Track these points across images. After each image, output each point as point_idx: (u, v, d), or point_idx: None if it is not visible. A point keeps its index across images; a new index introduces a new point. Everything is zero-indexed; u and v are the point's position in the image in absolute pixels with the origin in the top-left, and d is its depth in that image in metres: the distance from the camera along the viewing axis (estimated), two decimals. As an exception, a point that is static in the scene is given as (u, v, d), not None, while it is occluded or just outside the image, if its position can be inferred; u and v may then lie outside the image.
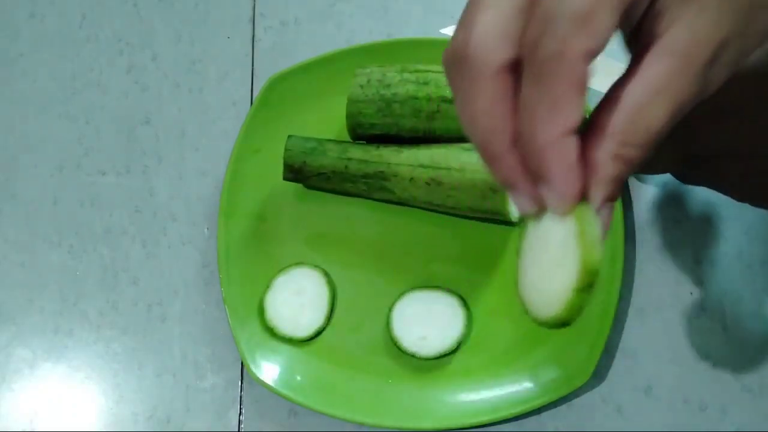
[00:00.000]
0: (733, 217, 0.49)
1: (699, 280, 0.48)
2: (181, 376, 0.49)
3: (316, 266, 0.49)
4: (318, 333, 0.48)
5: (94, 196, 0.53)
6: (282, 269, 0.49)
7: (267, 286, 0.48)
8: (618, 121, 0.23)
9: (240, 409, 0.48)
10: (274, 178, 0.50)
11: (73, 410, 0.49)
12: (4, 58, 0.56)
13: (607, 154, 0.23)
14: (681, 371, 0.47)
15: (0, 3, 0.58)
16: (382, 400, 0.46)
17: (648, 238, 0.49)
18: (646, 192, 0.50)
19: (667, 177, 0.50)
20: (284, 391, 0.46)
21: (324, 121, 0.51)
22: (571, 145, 0.23)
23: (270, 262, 0.49)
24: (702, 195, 0.49)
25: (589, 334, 0.45)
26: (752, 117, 0.37)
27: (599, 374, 0.47)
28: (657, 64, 0.22)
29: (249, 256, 0.49)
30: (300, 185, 0.51)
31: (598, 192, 0.24)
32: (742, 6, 0.22)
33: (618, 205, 0.47)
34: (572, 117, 0.23)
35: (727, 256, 0.48)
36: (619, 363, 0.47)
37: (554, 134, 0.23)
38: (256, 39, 0.56)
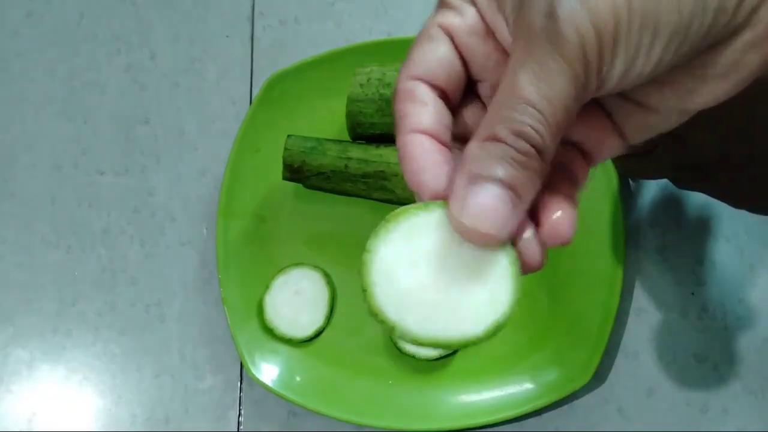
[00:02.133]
0: (734, 217, 0.49)
1: (700, 281, 0.48)
2: (179, 377, 0.49)
3: (315, 267, 0.48)
4: (318, 333, 0.48)
5: (93, 196, 0.52)
6: (281, 269, 0.48)
7: (266, 287, 0.48)
8: (490, 112, 0.22)
9: (239, 410, 0.48)
10: (273, 178, 0.50)
11: (72, 411, 0.48)
12: (1, 57, 0.56)
13: (478, 140, 0.22)
14: (682, 372, 0.47)
15: (-2, 2, 0.57)
16: (382, 401, 0.46)
17: (649, 239, 0.49)
18: (647, 193, 0.50)
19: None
20: (284, 392, 0.46)
21: (323, 121, 0.51)
22: (417, 139, 0.25)
23: (269, 263, 0.49)
24: (702, 195, 0.49)
25: (590, 335, 0.45)
26: (742, 125, 0.37)
27: (600, 375, 0.47)
28: (519, 52, 0.22)
29: (248, 257, 0.49)
30: (299, 185, 0.50)
31: (461, 177, 0.22)
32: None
33: (618, 207, 0.47)
34: (414, 120, 0.25)
35: (728, 256, 0.48)
36: (620, 364, 0.47)
37: (404, 137, 0.25)
38: (255, 38, 0.55)
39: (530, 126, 0.21)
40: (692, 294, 0.48)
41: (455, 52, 0.26)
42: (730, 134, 0.37)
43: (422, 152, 0.25)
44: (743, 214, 0.48)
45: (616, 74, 0.22)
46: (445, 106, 0.26)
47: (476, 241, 0.23)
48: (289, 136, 0.49)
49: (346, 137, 0.50)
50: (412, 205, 0.25)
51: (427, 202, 0.24)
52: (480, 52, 0.26)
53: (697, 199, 0.49)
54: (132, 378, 0.49)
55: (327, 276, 0.48)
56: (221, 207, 0.49)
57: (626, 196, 0.49)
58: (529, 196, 0.23)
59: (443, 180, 0.24)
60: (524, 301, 0.49)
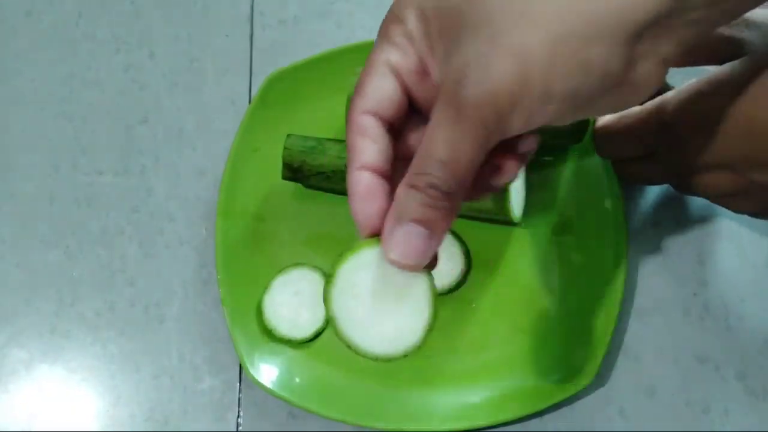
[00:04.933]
0: (736, 216, 0.49)
1: (702, 281, 0.48)
2: (178, 378, 0.48)
3: (315, 267, 0.48)
4: (317, 334, 0.47)
5: (91, 196, 0.52)
6: (281, 270, 0.48)
7: (265, 287, 0.48)
8: (414, 161, 0.28)
9: (238, 411, 0.48)
10: (272, 178, 0.50)
11: (70, 412, 0.48)
12: (0, 56, 0.56)
13: (403, 186, 0.28)
14: (684, 373, 0.46)
15: (-4, 1, 0.57)
16: (381, 402, 0.46)
17: (651, 239, 0.49)
18: (650, 193, 0.50)
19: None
20: (283, 394, 0.45)
21: (323, 120, 0.51)
22: (362, 177, 0.29)
23: (269, 263, 0.49)
24: (705, 195, 0.49)
25: (592, 337, 0.45)
26: (740, 129, 0.37)
27: (602, 376, 0.46)
28: (435, 109, 0.27)
29: (247, 257, 0.49)
30: (299, 185, 0.50)
31: (391, 217, 0.28)
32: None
33: (619, 206, 0.47)
34: (362, 156, 0.30)
35: (730, 256, 0.48)
36: (621, 364, 0.47)
37: (352, 170, 0.30)
38: (254, 37, 0.55)
39: (439, 178, 0.27)
40: (694, 294, 0.48)
41: (401, 88, 0.30)
42: (730, 138, 0.37)
43: (366, 192, 0.30)
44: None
45: (516, 128, 0.27)
46: (390, 141, 0.30)
47: (404, 269, 0.29)
48: (288, 135, 0.48)
49: (346, 137, 0.49)
50: (356, 244, 0.30)
51: (369, 240, 0.30)
52: (421, 88, 0.30)
53: (698, 199, 0.49)
54: (131, 378, 0.49)
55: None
56: (220, 207, 0.49)
57: (627, 197, 0.49)
58: (441, 230, 0.28)
59: (378, 221, 0.29)
60: (526, 302, 0.49)
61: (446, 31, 0.28)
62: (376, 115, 0.30)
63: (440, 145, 0.27)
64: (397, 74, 0.30)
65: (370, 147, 0.30)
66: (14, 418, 0.48)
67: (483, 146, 0.27)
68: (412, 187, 0.27)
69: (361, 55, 0.50)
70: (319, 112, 0.51)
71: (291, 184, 0.50)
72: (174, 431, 0.47)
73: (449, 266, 0.48)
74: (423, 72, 0.30)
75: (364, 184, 0.29)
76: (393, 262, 0.28)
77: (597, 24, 0.25)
